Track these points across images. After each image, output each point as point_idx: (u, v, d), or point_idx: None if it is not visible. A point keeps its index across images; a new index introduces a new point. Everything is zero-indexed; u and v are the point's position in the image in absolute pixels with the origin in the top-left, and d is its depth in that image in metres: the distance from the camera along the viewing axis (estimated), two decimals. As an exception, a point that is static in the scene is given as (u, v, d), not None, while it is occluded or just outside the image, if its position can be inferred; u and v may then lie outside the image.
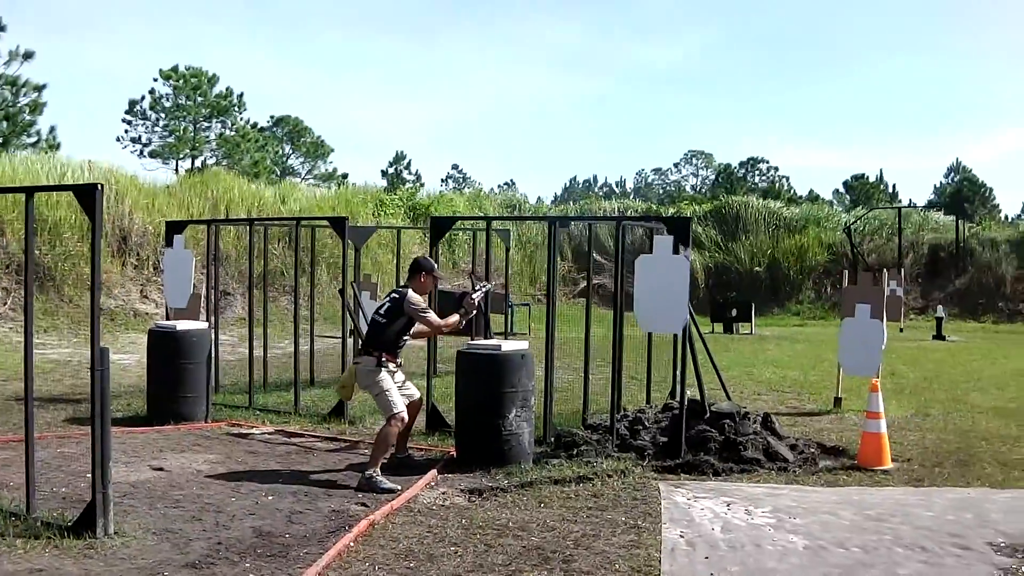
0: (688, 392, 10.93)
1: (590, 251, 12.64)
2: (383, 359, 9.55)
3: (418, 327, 9.87)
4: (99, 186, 7.33)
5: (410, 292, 9.69)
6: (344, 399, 10.92)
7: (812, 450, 11.12)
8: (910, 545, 7.59)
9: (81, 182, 21.72)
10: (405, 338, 9.81)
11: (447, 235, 13.25)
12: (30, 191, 8.11)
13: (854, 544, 7.60)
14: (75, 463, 9.93)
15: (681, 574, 6.85)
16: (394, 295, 9.81)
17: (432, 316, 9.77)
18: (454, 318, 9.91)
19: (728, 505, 8.77)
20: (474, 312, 10.05)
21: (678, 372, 12.90)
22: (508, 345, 10.19)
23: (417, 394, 10.28)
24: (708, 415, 11.04)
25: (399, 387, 9.85)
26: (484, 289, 10.46)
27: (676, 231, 10.58)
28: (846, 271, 15.19)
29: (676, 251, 10.48)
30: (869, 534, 7.88)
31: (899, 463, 10.65)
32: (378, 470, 9.22)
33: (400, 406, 9.53)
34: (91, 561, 6.83)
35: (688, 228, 10.53)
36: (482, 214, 33.51)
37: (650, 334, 13.10)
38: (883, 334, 13.82)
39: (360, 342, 10.10)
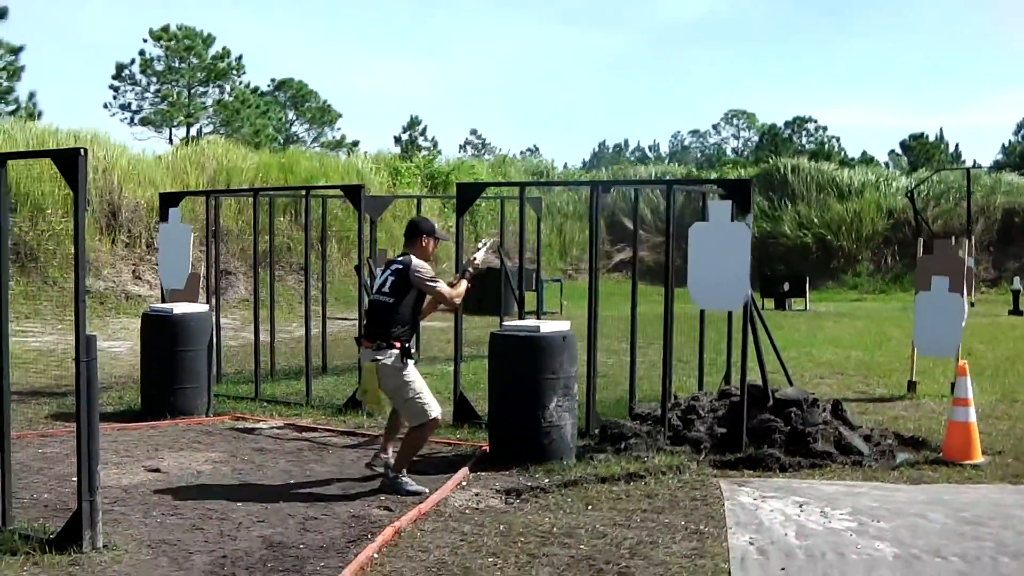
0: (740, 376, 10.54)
1: (635, 221, 12.22)
2: (408, 348, 8.80)
3: (426, 302, 9.20)
4: (82, 151, 7.01)
5: (414, 260, 8.91)
6: (373, 409, 10.23)
7: (889, 441, 10.73)
8: (1017, 554, 7.18)
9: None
10: (419, 313, 9.12)
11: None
12: (3, 158, 7.77)
13: (952, 553, 7.20)
14: (59, 465, 9.63)
15: (756, 588, 6.47)
16: (396, 266, 8.96)
17: (443, 286, 9.01)
18: (463, 285, 9.22)
19: (801, 506, 8.39)
20: (481, 269, 9.48)
21: (737, 355, 12.57)
22: (548, 326, 9.82)
23: None
24: (771, 403, 10.66)
25: None
26: (487, 245, 9.85)
27: (735, 195, 10.18)
28: (921, 240, 14.73)
29: (734, 218, 10.10)
30: (967, 541, 7.48)
31: (990, 456, 10.24)
32: (405, 472, 8.81)
33: (437, 408, 8.90)
34: (76, 580, 6.50)
35: (749, 192, 10.12)
36: (489, 182, 33.17)
37: (702, 312, 12.72)
38: (964, 310, 13.42)
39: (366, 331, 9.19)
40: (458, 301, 9.37)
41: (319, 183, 28.94)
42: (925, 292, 13.65)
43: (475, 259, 9.40)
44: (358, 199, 12.46)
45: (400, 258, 9.04)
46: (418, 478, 9.29)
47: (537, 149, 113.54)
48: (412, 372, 8.77)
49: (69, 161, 6.99)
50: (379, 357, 8.70)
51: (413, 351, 8.86)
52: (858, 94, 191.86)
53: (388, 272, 8.98)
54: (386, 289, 8.87)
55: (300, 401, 12.89)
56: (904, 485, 9.23)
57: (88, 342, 6.98)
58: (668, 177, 42.42)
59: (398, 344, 8.70)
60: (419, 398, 8.76)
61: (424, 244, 9.10)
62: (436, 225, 9.33)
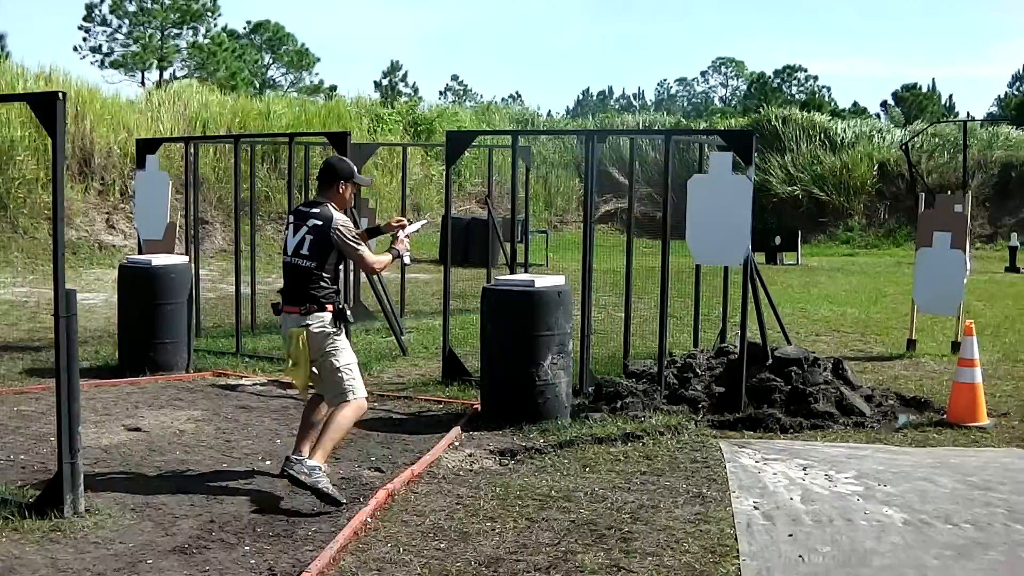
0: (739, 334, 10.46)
1: (631, 172, 12.04)
2: (343, 311, 7.72)
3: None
4: (60, 95, 6.81)
5: (335, 214, 7.62)
6: (301, 387, 7.93)
7: (891, 402, 10.68)
8: (1030, 519, 7.13)
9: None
10: (340, 273, 8.12)
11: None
12: (-22, 102, 7.58)
13: (963, 519, 7.14)
14: (35, 423, 9.49)
15: (764, 555, 6.39)
16: (313, 221, 7.61)
17: (366, 251, 7.85)
18: (387, 256, 8.02)
19: (805, 469, 8.32)
20: (407, 253, 8.21)
21: (732, 311, 12.48)
22: (543, 280, 9.69)
23: None
24: (771, 361, 10.58)
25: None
26: (424, 223, 8.99)
27: (736, 147, 10.05)
28: (922, 195, 14.63)
29: (735, 171, 9.98)
30: (977, 506, 7.42)
31: (995, 418, 10.18)
32: (324, 466, 7.37)
33: (363, 390, 7.73)
34: (58, 547, 6.37)
35: (752, 143, 9.99)
36: (491, 129, 32.94)
37: (698, 267, 12.63)
38: (966, 267, 13.36)
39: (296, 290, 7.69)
40: (379, 269, 8.46)
41: (299, 130, 28.67)
42: (926, 248, 13.58)
43: (404, 237, 8.24)
44: (344, 147, 12.25)
45: (316, 210, 7.69)
46: (408, 438, 9.20)
47: (520, 96, 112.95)
48: (344, 341, 7.74)
49: (47, 106, 6.80)
50: (308, 322, 7.53)
51: (348, 314, 7.79)
52: (850, 43, 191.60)
53: (304, 230, 7.62)
54: (305, 251, 7.60)
55: (283, 356, 12.71)
56: (909, 448, 9.16)
57: (68, 297, 6.84)
58: (657, 127, 42.26)
59: (330, 307, 7.60)
60: (346, 372, 7.63)
61: (342, 191, 7.85)
62: (355, 168, 8.06)
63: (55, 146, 6.79)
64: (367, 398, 7.84)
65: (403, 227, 8.30)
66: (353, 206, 8.60)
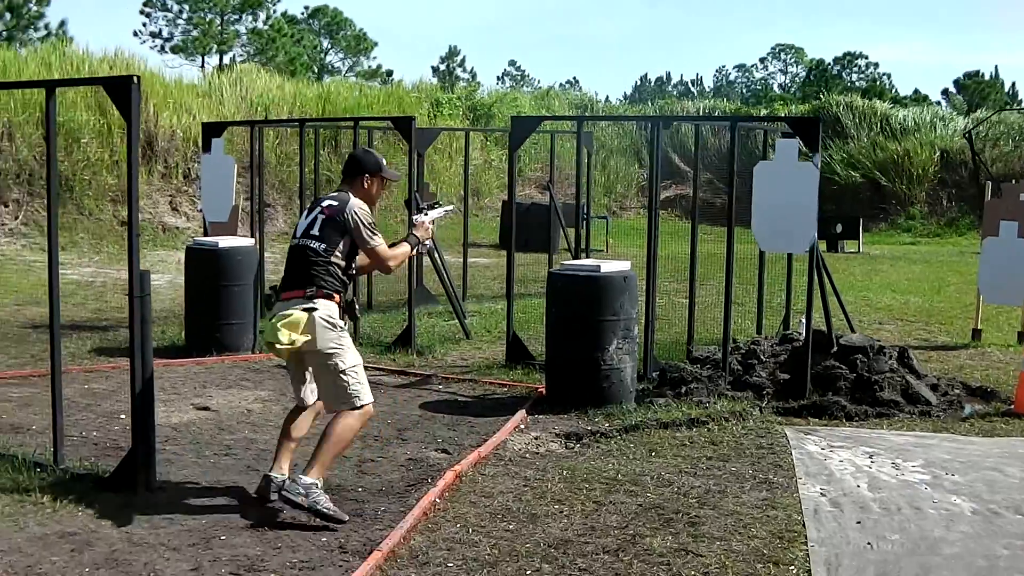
0: (804, 321, 10.43)
1: (696, 159, 12.02)
2: (353, 304, 6.97)
3: (359, 259, 7.07)
4: (135, 78, 6.90)
5: (353, 200, 6.86)
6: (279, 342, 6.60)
7: (956, 391, 10.62)
8: (1102, 510, 7.08)
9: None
10: (353, 269, 7.04)
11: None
12: (52, 85, 7.72)
13: (1033, 508, 7.11)
14: (106, 402, 9.66)
15: (832, 542, 6.39)
16: (329, 202, 6.91)
17: (381, 243, 6.94)
18: (403, 248, 7.16)
19: (871, 457, 8.29)
20: (428, 241, 7.47)
21: (796, 298, 12.45)
22: (609, 266, 9.72)
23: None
24: (836, 349, 10.54)
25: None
26: (443, 210, 7.98)
27: (803, 133, 10.02)
28: (989, 183, 14.50)
29: (801, 157, 9.95)
30: (1048, 495, 7.38)
31: (1063, 409, 10.09)
32: (320, 482, 6.62)
33: (370, 394, 6.85)
34: (132, 521, 6.48)
35: (818, 130, 9.94)
36: (551, 114, 32.90)
37: (762, 253, 12.59)
38: (1034, 256, 13.19)
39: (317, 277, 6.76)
40: (393, 266, 7.16)
41: (360, 114, 28.80)
42: (993, 237, 13.43)
43: (425, 224, 7.42)
44: (409, 131, 12.32)
45: (334, 194, 7.04)
46: (474, 420, 9.26)
47: (577, 82, 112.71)
48: (349, 340, 6.85)
49: (122, 89, 6.89)
50: (315, 306, 6.62)
51: (358, 307, 7.07)
52: (911, 30, 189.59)
53: (318, 210, 6.90)
54: (315, 231, 6.80)
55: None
56: (976, 437, 9.11)
57: (142, 277, 6.93)
58: (717, 114, 42.07)
59: (337, 297, 6.75)
60: (352, 375, 6.72)
61: (367, 185, 7.08)
62: (384, 161, 7.27)
63: (130, 129, 6.88)
64: (373, 404, 6.91)
65: (418, 215, 7.51)
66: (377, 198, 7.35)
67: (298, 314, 6.55)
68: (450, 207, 8.58)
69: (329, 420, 6.76)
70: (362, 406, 6.71)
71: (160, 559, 5.85)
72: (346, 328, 6.83)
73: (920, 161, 38.03)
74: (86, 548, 6.00)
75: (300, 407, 7.10)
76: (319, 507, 6.43)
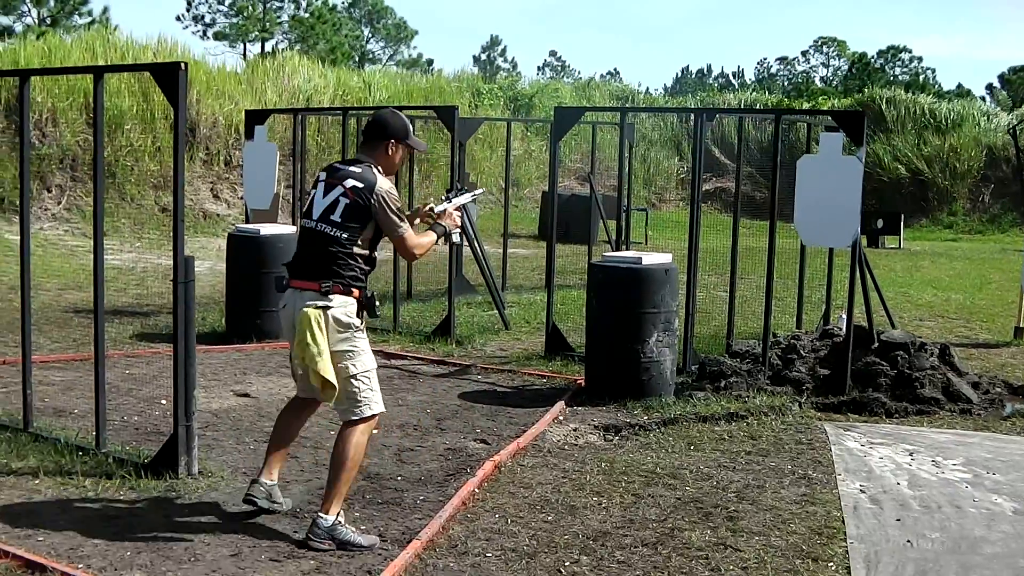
0: (844, 316, 10.39)
1: (739, 152, 12.00)
2: (372, 300, 6.23)
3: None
4: (182, 65, 6.94)
5: (379, 178, 6.13)
6: (317, 380, 5.97)
7: (998, 390, 10.54)
8: None
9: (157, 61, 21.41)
10: (376, 256, 6.35)
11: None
12: (100, 71, 7.77)
13: (1075, 509, 7.06)
14: (146, 387, 9.73)
15: (872, 539, 6.37)
16: (352, 183, 6.09)
17: (409, 230, 6.25)
18: (430, 237, 6.47)
19: (911, 454, 8.26)
20: (456, 229, 6.82)
21: (836, 293, 12.40)
22: (650, 258, 9.71)
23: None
24: (877, 345, 10.48)
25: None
26: (471, 195, 7.38)
27: (848, 127, 9.97)
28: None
29: (846, 151, 9.91)
30: (1090, 496, 7.33)
31: (1106, 409, 10.01)
32: (341, 515, 6.07)
33: (380, 403, 6.25)
34: (174, 506, 6.55)
35: (863, 124, 9.87)
36: (592, 105, 32.85)
37: (803, 247, 12.54)
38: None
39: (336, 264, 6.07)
40: (419, 255, 6.45)
41: (401, 103, 28.84)
42: (1037, 234, 13.36)
43: (450, 210, 6.76)
44: (452, 121, 12.34)
45: (357, 169, 6.18)
46: (512, 411, 9.27)
47: (618, 72, 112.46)
48: (365, 341, 6.21)
49: (169, 75, 6.93)
50: (329, 303, 6.00)
51: (377, 304, 6.30)
52: (955, 23, 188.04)
53: (339, 191, 6.09)
54: (336, 217, 6.07)
55: (387, 327, 12.84)
56: (1018, 437, 9.05)
57: (187, 263, 6.98)
58: (759, 106, 41.84)
59: (356, 292, 6.09)
60: (363, 380, 6.11)
61: (391, 152, 6.34)
62: (411, 127, 6.54)
63: (177, 115, 6.91)
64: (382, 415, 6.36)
65: (430, 212, 6.71)
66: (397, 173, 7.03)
67: (307, 321, 5.91)
68: (479, 191, 8.16)
69: (334, 442, 6.18)
70: (370, 414, 6.13)
71: (200, 544, 5.90)
72: (363, 326, 6.17)
73: (966, 157, 37.75)
74: (127, 532, 6.05)
75: (298, 404, 6.58)
76: (348, 542, 5.93)
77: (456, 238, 6.95)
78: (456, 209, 6.80)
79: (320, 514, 5.99)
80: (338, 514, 6.02)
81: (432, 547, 5.96)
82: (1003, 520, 6.81)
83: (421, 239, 6.35)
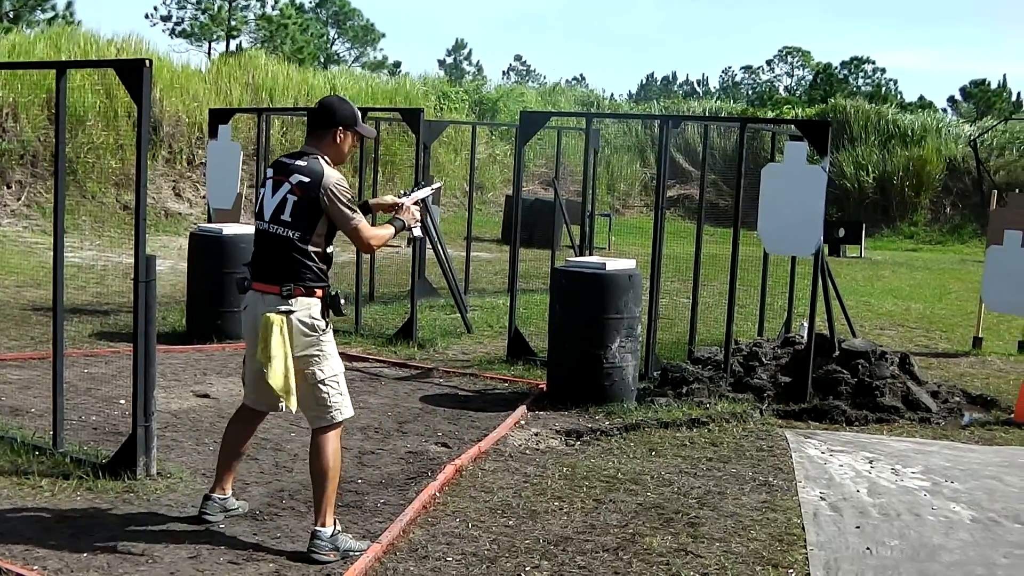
0: (806, 324, 10.43)
1: (704, 159, 12.03)
2: (337, 299, 6.00)
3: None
4: (147, 62, 6.87)
5: (327, 171, 5.90)
6: (280, 389, 5.79)
7: (956, 399, 10.62)
8: (1102, 521, 7.08)
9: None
10: (333, 250, 6.13)
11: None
12: (63, 67, 7.69)
13: (1033, 518, 7.11)
14: (105, 386, 9.64)
15: (832, 546, 6.39)
16: (298, 178, 5.87)
17: (362, 221, 6.03)
18: (388, 230, 6.25)
19: (871, 462, 8.29)
20: (416, 224, 6.55)
21: (799, 301, 12.44)
22: (614, 264, 9.72)
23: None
24: (838, 353, 10.53)
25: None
26: (430, 189, 7.19)
27: (812, 137, 9.99)
28: (994, 192, 14.50)
29: (810, 161, 9.94)
30: (1048, 506, 7.38)
31: (1064, 420, 10.09)
32: (337, 524, 6.01)
33: (350, 407, 6.13)
34: (131, 507, 6.49)
35: (827, 133, 9.91)
36: (557, 110, 32.87)
37: (765, 255, 12.58)
38: (1037, 265, 13.17)
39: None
40: (375, 246, 6.25)
41: (366, 104, 28.73)
42: (997, 246, 13.41)
43: (408, 205, 6.51)
44: (417, 124, 12.31)
45: (302, 163, 5.95)
46: (474, 415, 9.25)
47: (584, 78, 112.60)
48: (332, 344, 6.06)
49: (133, 73, 6.87)
50: (292, 307, 5.83)
51: (343, 302, 6.05)
52: (918, 35, 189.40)
53: (286, 188, 5.89)
54: (286, 216, 5.87)
55: (349, 329, 12.78)
56: (976, 446, 9.11)
57: (148, 262, 6.92)
58: (723, 114, 41.99)
59: (319, 292, 5.92)
60: (332, 385, 5.98)
61: (339, 140, 6.09)
62: (359, 113, 6.30)
63: (140, 113, 6.86)
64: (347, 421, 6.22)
65: (397, 205, 6.53)
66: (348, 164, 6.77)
67: (270, 326, 5.74)
68: (436, 185, 7.97)
69: (308, 455, 6.05)
70: (340, 420, 6.00)
71: (158, 546, 5.84)
72: (328, 328, 6.02)
73: (928, 168, 37.98)
74: (84, 533, 5.99)
75: (246, 415, 6.36)
76: (350, 549, 5.85)
77: (417, 232, 6.73)
78: (415, 204, 6.58)
79: (316, 528, 5.87)
80: (335, 523, 5.94)
81: (392, 551, 5.94)
82: (961, 528, 6.85)
83: (377, 231, 6.17)
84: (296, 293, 5.82)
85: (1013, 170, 37.55)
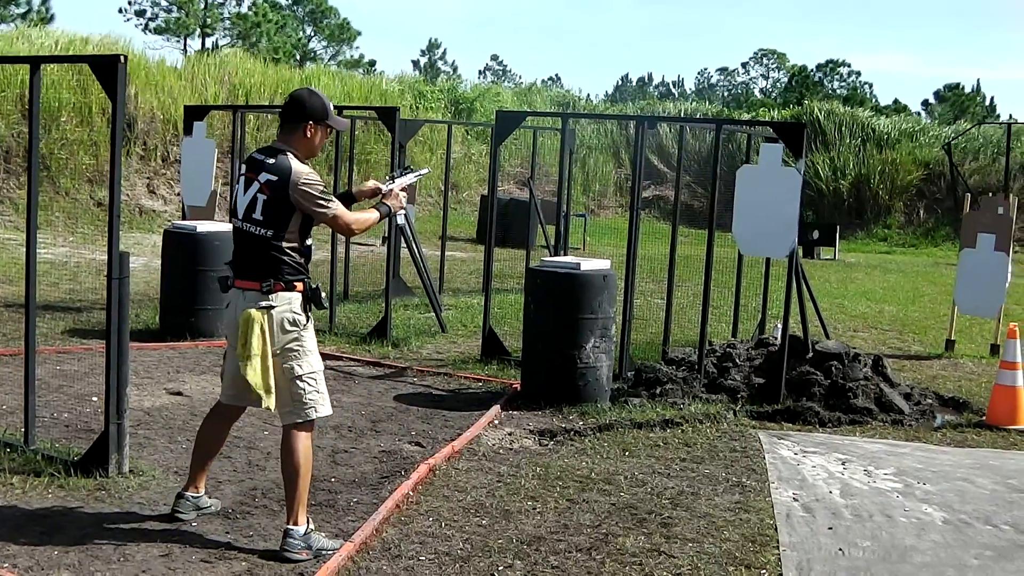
0: (780, 326, 10.47)
1: (680, 159, 12.03)
2: (318, 293, 6.00)
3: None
4: (122, 58, 6.85)
5: (295, 166, 5.87)
6: (260, 387, 5.81)
7: (929, 401, 10.66)
8: (1071, 524, 7.12)
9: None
10: (310, 241, 6.11)
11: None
12: (37, 62, 7.64)
13: (1003, 521, 7.14)
14: (78, 383, 9.59)
15: (804, 547, 6.41)
16: (267, 176, 5.87)
17: (339, 208, 6.00)
18: (372, 215, 6.28)
19: (844, 464, 8.33)
20: (401, 211, 6.58)
21: (772, 303, 12.48)
22: (588, 264, 9.72)
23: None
24: (811, 355, 10.56)
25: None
26: (416, 174, 7.10)
27: (788, 139, 10.02)
28: (967, 195, 14.58)
29: (785, 163, 9.97)
30: (1018, 509, 7.41)
31: (1035, 422, 10.14)
32: (311, 522, 6.00)
33: (327, 405, 6.10)
34: (103, 505, 6.46)
35: (803, 136, 9.95)
36: (533, 110, 32.86)
37: (740, 256, 12.61)
38: (1008, 270, 13.27)
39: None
40: (358, 231, 6.24)
41: (342, 103, 28.67)
42: (969, 249, 13.50)
43: (396, 191, 6.53)
44: (393, 122, 12.29)
45: (271, 160, 5.93)
46: (448, 414, 9.24)
47: (559, 79, 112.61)
48: (312, 340, 6.02)
49: (108, 68, 6.84)
50: (272, 303, 5.85)
51: (324, 295, 6.08)
52: (894, 39, 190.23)
53: (255, 187, 5.90)
54: (257, 215, 5.88)
55: (323, 328, 12.72)
56: (948, 447, 9.15)
57: (122, 259, 6.89)
58: (699, 116, 42.07)
59: (299, 287, 5.92)
60: (309, 382, 5.95)
61: (311, 135, 6.04)
62: (331, 105, 6.19)
63: (115, 109, 6.83)
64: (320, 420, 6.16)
65: (378, 191, 6.53)
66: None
67: (248, 322, 5.77)
68: (423, 171, 7.90)
69: (280, 451, 6.00)
70: (314, 418, 5.96)
71: (130, 544, 5.82)
72: (309, 323, 5.99)
73: (904, 171, 38.14)
74: (55, 531, 5.96)
75: (221, 413, 6.35)
76: (323, 548, 5.83)
77: (401, 219, 6.72)
78: (401, 189, 6.56)
79: (289, 526, 5.84)
80: (308, 521, 5.91)
81: (365, 550, 5.93)
82: (933, 529, 6.88)
83: (360, 215, 6.17)
84: (276, 288, 5.82)
85: (986, 174, 37.75)
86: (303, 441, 5.91)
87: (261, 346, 5.75)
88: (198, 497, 6.34)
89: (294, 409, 5.92)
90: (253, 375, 5.73)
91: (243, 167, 6.09)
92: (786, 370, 10.14)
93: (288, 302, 5.85)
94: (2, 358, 10.39)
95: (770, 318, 13.04)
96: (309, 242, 6.05)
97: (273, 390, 5.82)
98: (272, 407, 5.88)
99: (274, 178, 5.83)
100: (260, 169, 5.90)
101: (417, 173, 7.19)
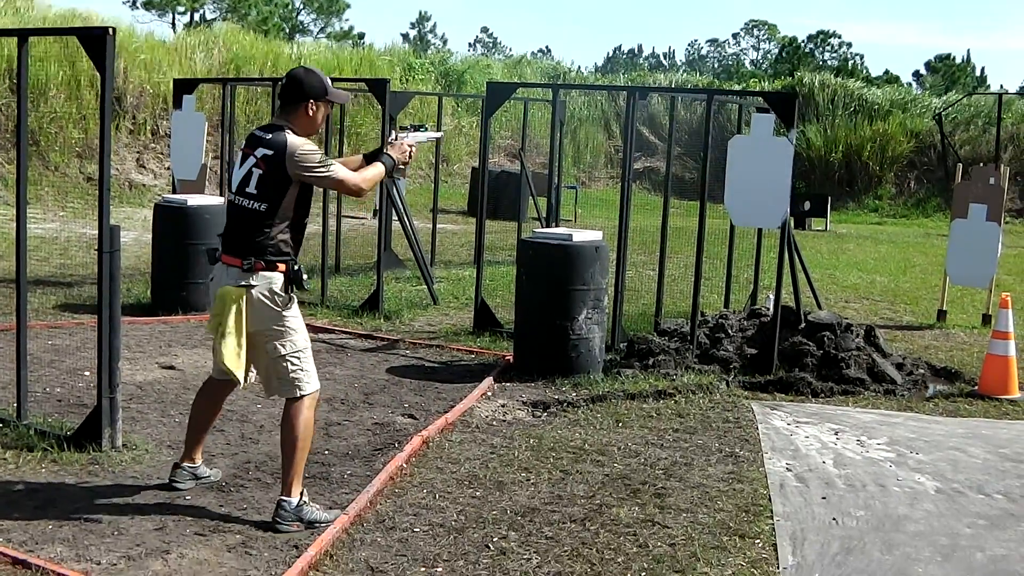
0: (772, 297, 10.47)
1: (671, 131, 12.00)
2: (299, 274, 5.89)
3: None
4: (110, 30, 6.80)
5: (290, 139, 5.85)
6: (232, 365, 5.81)
7: (921, 371, 10.66)
8: (1063, 492, 7.14)
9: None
10: (306, 219, 6.11)
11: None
12: (24, 35, 7.59)
13: (995, 490, 7.15)
14: (69, 358, 9.57)
15: (798, 517, 6.42)
16: (263, 151, 5.85)
17: (340, 170, 5.98)
18: (376, 170, 6.22)
19: (836, 434, 8.34)
20: (406, 161, 6.46)
21: (764, 273, 12.49)
22: (581, 235, 9.71)
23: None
24: (804, 325, 10.56)
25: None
26: (428, 136, 7.14)
27: (779, 109, 10.00)
28: (958, 166, 14.56)
29: (777, 133, 9.95)
30: (1010, 478, 7.43)
31: (1027, 391, 10.17)
32: (305, 494, 5.97)
33: (316, 380, 6.07)
34: (97, 479, 6.45)
35: (795, 106, 9.93)
36: (524, 81, 32.76)
37: (731, 227, 12.61)
38: (999, 240, 13.28)
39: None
40: (366, 189, 6.19)
41: (331, 75, 28.45)
42: (961, 220, 13.50)
43: (405, 145, 6.45)
44: (383, 94, 12.24)
45: (268, 136, 5.91)
46: (441, 386, 9.24)
47: (550, 50, 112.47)
48: (297, 319, 5.97)
49: (97, 41, 6.79)
50: (252, 282, 5.80)
51: (306, 278, 5.95)
52: (884, 9, 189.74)
53: (251, 161, 5.89)
54: (251, 189, 5.85)
55: (315, 301, 12.72)
56: (940, 417, 9.16)
57: (112, 233, 6.86)
58: (691, 87, 41.96)
59: (282, 267, 5.85)
60: (292, 360, 5.91)
61: (311, 112, 6.02)
62: (329, 81, 6.13)
63: (104, 82, 6.78)
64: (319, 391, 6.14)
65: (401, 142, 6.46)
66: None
67: (226, 299, 5.79)
68: (438, 134, 7.69)
69: (281, 424, 6.01)
70: (306, 394, 5.93)
71: (124, 518, 5.81)
72: (292, 302, 5.93)
73: (895, 142, 38.09)
74: (49, 506, 5.95)
75: (213, 386, 6.36)
76: (315, 520, 5.82)
77: (406, 172, 6.41)
78: (410, 145, 6.47)
79: (283, 497, 5.85)
80: (301, 494, 5.89)
81: (360, 522, 5.93)
82: (925, 499, 6.90)
83: (364, 173, 6.15)
84: (257, 268, 5.78)
85: (977, 144, 37.73)
86: (303, 413, 5.90)
87: (236, 324, 5.75)
88: (195, 467, 6.37)
89: (279, 387, 5.94)
90: (226, 352, 5.74)
91: (243, 143, 6.08)
92: (778, 341, 10.14)
93: (268, 281, 5.81)
94: (-7, 333, 10.36)
95: (762, 289, 13.06)
96: (307, 221, 6.04)
97: (243, 368, 5.82)
98: (242, 384, 5.92)
99: (270, 152, 5.81)
100: (257, 144, 5.89)
101: (429, 135, 7.13)
